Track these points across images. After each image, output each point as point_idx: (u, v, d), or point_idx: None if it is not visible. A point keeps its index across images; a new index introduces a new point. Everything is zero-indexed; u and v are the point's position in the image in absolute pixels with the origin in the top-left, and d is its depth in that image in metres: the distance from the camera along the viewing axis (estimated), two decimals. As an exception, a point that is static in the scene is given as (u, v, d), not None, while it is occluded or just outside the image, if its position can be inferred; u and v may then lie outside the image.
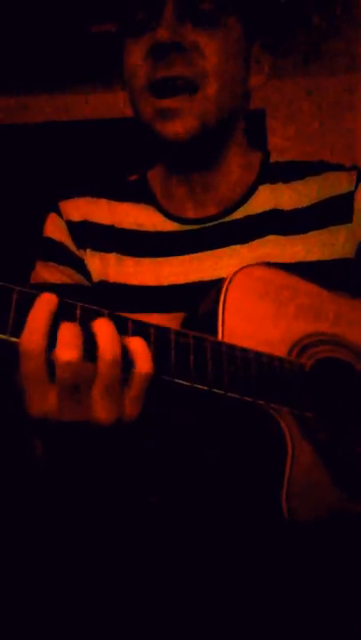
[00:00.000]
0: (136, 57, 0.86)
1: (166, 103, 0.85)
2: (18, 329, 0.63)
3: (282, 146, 2.66)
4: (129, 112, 0.91)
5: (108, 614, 0.88)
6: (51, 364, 0.63)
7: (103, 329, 0.65)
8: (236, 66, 0.88)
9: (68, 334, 0.63)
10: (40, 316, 0.62)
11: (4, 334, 0.62)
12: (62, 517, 0.90)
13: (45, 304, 0.63)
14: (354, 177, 0.96)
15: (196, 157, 0.92)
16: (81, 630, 0.89)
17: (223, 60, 0.85)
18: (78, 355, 0.62)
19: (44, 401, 0.64)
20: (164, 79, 0.84)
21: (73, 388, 0.64)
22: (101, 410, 0.65)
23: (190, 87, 0.85)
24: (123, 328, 0.67)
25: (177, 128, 0.85)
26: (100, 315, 0.66)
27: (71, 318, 0.65)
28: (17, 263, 0.97)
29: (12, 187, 3.02)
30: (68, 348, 0.62)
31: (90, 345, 0.64)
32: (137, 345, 0.66)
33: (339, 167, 0.99)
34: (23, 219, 1.72)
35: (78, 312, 0.65)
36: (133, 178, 1.02)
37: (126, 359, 0.66)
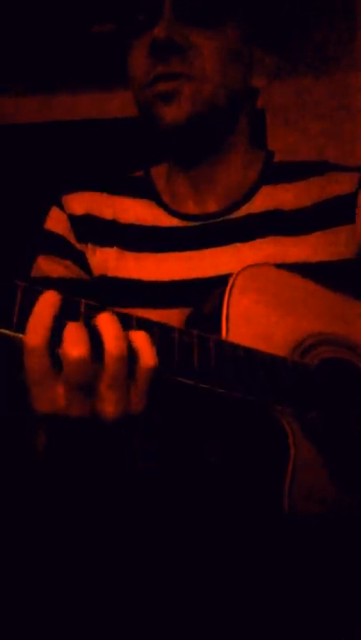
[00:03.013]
0: (137, 56, 0.88)
1: (161, 86, 0.86)
2: (22, 325, 0.63)
3: (282, 146, 2.67)
4: (129, 112, 0.91)
5: (106, 613, 0.88)
6: (55, 360, 0.63)
7: (108, 324, 0.65)
8: (234, 64, 0.89)
9: (75, 331, 0.63)
10: (44, 312, 0.63)
11: (9, 329, 0.62)
12: (61, 516, 0.90)
13: (49, 300, 0.63)
14: (356, 178, 0.96)
15: (196, 149, 0.93)
16: (79, 625, 0.89)
17: (220, 59, 0.87)
18: (86, 351, 0.62)
19: (50, 397, 0.64)
20: (160, 75, 0.86)
21: (79, 385, 0.64)
22: (108, 405, 0.65)
23: (185, 77, 0.86)
24: (127, 324, 0.67)
25: (174, 112, 0.86)
26: (103, 310, 0.66)
27: (75, 314, 0.65)
28: (19, 257, 0.97)
29: (13, 185, 3.02)
30: (75, 344, 0.62)
31: (95, 341, 0.64)
32: (140, 338, 0.66)
33: (341, 168, 0.99)
34: (25, 214, 1.72)
35: (82, 308, 0.65)
36: (136, 174, 1.03)
37: (131, 353, 0.66)
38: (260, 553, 0.83)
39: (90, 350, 0.63)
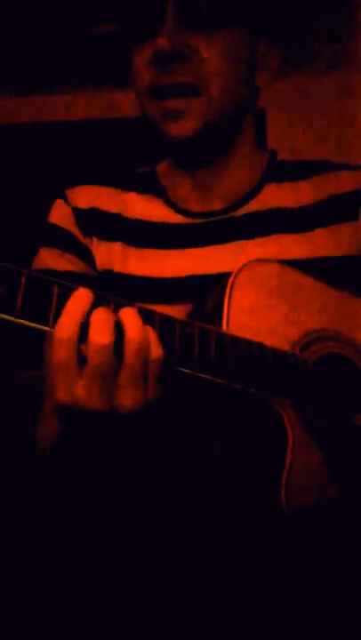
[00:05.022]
0: (140, 62, 0.87)
1: (170, 104, 0.86)
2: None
3: (282, 145, 2.67)
4: (131, 112, 0.91)
5: (108, 611, 0.88)
6: (80, 353, 0.66)
7: (131, 317, 0.67)
8: (239, 68, 0.89)
9: (102, 319, 0.66)
10: (77, 308, 0.66)
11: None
12: (66, 511, 0.91)
13: (82, 297, 0.66)
14: (360, 176, 0.97)
15: (201, 155, 0.93)
16: (81, 619, 0.89)
17: (225, 63, 0.86)
18: (111, 339, 0.65)
19: (73, 389, 0.66)
20: (166, 85, 0.86)
21: (102, 375, 0.66)
22: (127, 397, 0.67)
23: (193, 91, 0.86)
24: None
25: (181, 129, 0.86)
26: (128, 304, 0.69)
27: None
28: (20, 250, 0.96)
29: (14, 185, 3.02)
30: (101, 331, 0.65)
31: (118, 333, 0.67)
32: (149, 332, 0.69)
33: (344, 166, 0.99)
34: (25, 215, 1.72)
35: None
36: (142, 170, 1.03)
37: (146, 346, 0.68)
38: (259, 546, 0.83)
39: (113, 339, 0.65)
